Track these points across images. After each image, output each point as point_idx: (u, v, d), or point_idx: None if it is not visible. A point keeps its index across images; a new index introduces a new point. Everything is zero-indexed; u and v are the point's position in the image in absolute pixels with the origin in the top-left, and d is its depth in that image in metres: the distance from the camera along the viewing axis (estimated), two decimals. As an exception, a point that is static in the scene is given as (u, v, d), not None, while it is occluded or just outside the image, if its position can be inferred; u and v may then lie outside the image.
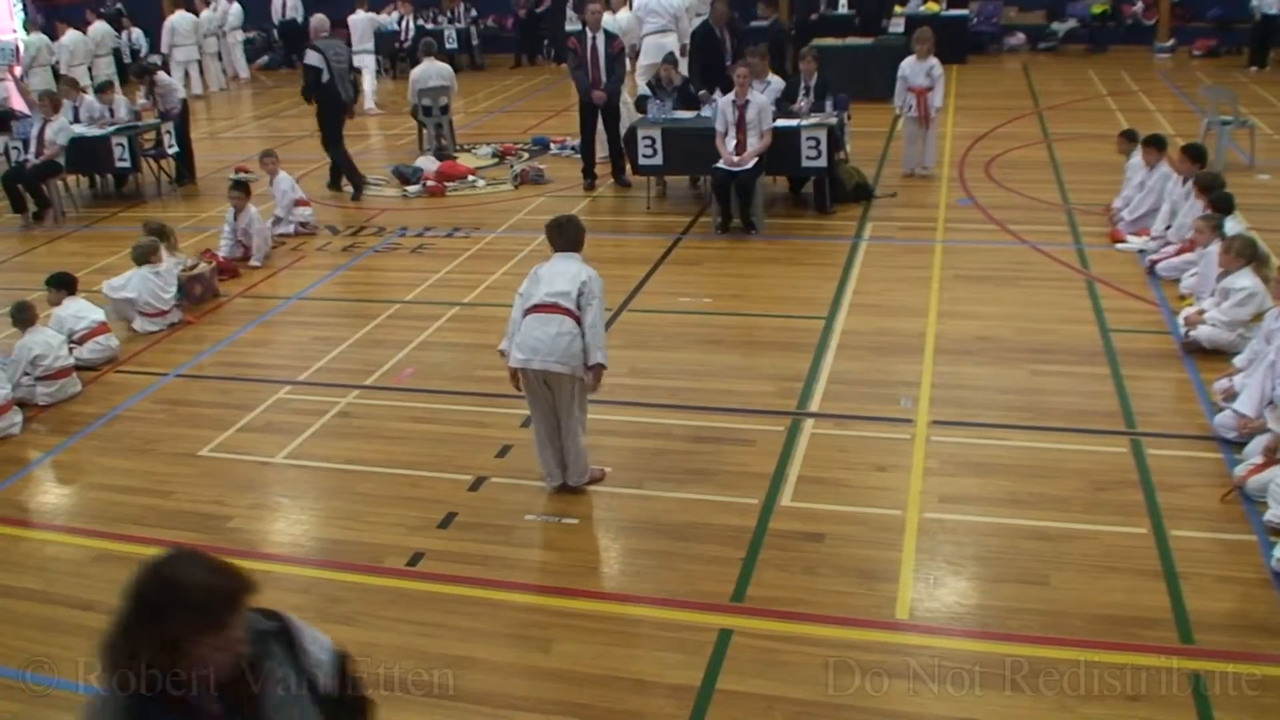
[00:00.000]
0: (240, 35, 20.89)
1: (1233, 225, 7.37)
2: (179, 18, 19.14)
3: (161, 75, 13.26)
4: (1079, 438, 5.88)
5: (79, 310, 7.66)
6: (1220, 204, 7.56)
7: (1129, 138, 9.54)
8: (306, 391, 7.09)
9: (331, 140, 11.74)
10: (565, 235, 5.51)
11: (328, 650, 2.44)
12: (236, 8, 20.50)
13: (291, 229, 10.54)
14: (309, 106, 11.90)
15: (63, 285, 7.74)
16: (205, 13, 20.20)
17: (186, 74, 19.07)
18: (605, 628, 4.60)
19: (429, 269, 9.29)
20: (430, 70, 13.02)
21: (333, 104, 11.56)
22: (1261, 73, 15.80)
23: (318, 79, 11.40)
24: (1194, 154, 8.45)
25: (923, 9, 17.74)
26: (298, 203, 10.65)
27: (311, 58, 11.46)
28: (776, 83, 10.83)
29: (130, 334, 8.18)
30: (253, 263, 9.71)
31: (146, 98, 13.11)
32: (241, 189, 9.87)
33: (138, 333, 8.19)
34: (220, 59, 20.71)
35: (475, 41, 21.02)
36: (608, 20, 11.94)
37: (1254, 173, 10.52)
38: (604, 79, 10.96)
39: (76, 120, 12.27)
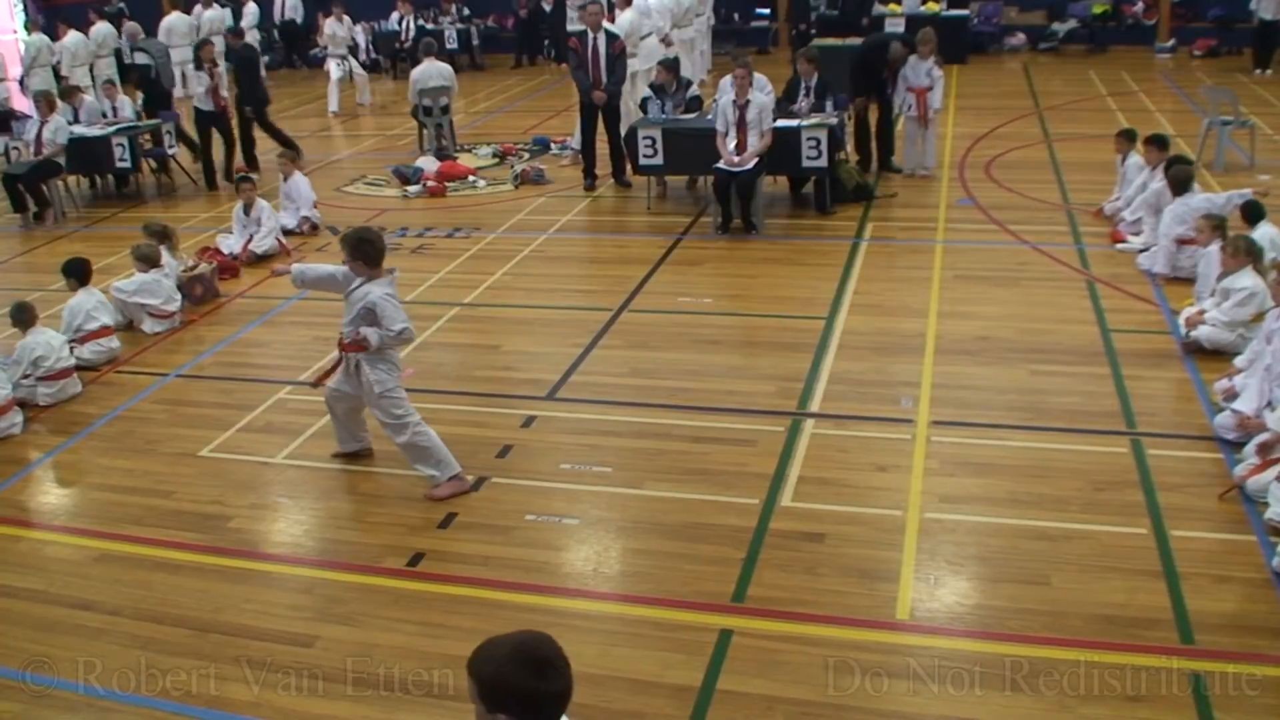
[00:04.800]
0: (258, 35, 20.90)
1: (1264, 230, 7.30)
2: (175, 18, 19.16)
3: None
4: (1079, 438, 5.88)
5: (94, 309, 7.64)
6: (1250, 212, 7.51)
7: (1127, 137, 9.52)
8: (307, 391, 7.08)
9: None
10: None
11: None
12: (252, 6, 20.52)
13: (306, 227, 10.59)
14: (310, 106, 11.99)
15: (75, 274, 7.74)
16: (209, 12, 20.20)
17: (183, 75, 19.12)
18: (605, 628, 4.60)
19: (429, 269, 9.29)
20: (430, 70, 13.01)
21: (160, 94, 13.47)
22: (1265, 75, 15.75)
23: (148, 74, 13.48)
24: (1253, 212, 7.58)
25: (922, 9, 17.74)
26: (315, 203, 10.76)
27: (140, 58, 13.76)
28: (760, 80, 10.72)
29: (131, 334, 8.19)
30: (252, 248, 9.80)
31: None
32: (250, 181, 10.21)
33: (146, 333, 8.20)
34: (224, 59, 20.70)
35: (475, 41, 21.03)
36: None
37: (1254, 173, 10.51)
38: (604, 79, 10.96)
39: (76, 122, 12.29)
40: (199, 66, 12.54)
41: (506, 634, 2.37)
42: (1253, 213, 7.49)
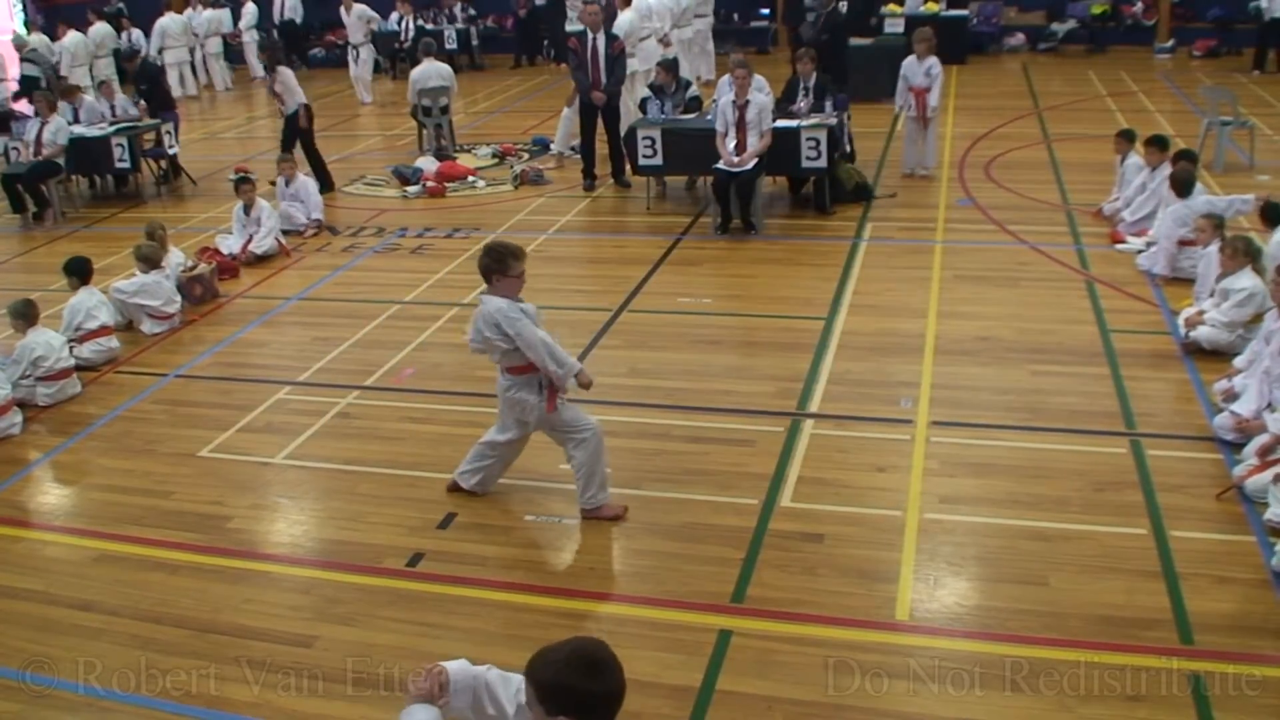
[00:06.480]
0: (256, 35, 20.92)
1: None
2: (168, 20, 19.20)
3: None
4: (1078, 438, 5.88)
5: (94, 308, 7.65)
6: (1269, 214, 7.52)
7: (1126, 137, 9.53)
8: (306, 392, 7.09)
9: None
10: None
11: None
12: (251, 6, 20.55)
13: (310, 232, 10.59)
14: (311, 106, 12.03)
15: (76, 273, 7.75)
16: (207, 13, 20.22)
17: (180, 75, 19.22)
18: (604, 628, 4.60)
19: (429, 269, 9.29)
20: (430, 70, 13.02)
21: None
22: (1261, 75, 15.75)
23: (36, 84, 14.64)
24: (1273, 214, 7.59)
25: (922, 9, 17.75)
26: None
27: (29, 69, 15.54)
28: (759, 80, 10.72)
29: (131, 335, 8.19)
30: (252, 248, 9.78)
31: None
32: (250, 182, 10.14)
33: (144, 334, 8.20)
34: (222, 59, 20.77)
35: (475, 41, 21.02)
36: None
37: (1254, 173, 10.52)
38: (604, 80, 10.96)
39: (76, 122, 12.29)
40: (269, 70, 12.09)
41: (560, 641, 2.49)
42: (1273, 214, 7.52)
